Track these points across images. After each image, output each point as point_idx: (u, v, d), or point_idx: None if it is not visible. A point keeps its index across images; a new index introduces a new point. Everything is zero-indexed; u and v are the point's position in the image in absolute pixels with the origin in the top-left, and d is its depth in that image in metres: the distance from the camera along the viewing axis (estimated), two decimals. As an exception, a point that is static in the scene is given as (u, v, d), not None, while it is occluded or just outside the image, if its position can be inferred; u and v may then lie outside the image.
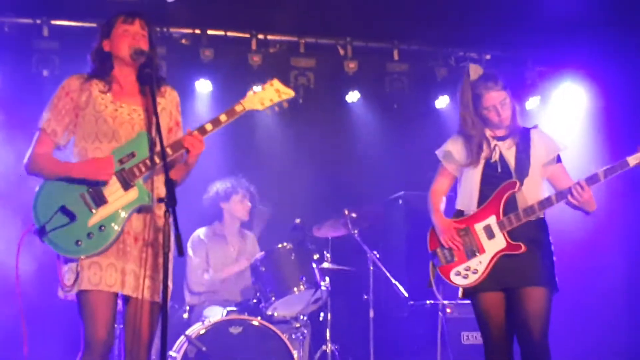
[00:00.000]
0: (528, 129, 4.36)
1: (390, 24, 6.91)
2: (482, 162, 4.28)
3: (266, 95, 3.75)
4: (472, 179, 4.30)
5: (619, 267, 7.20)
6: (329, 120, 7.56)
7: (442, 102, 7.55)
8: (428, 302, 6.44)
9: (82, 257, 3.42)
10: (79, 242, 3.40)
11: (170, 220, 3.16)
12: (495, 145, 4.30)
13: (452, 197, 4.50)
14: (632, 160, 4.05)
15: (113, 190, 3.47)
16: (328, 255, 6.12)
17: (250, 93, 3.75)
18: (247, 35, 6.93)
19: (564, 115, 7.43)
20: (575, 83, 7.42)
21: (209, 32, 6.83)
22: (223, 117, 3.64)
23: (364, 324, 6.23)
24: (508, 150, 4.28)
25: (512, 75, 7.35)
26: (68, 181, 3.46)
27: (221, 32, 6.90)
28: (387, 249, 7.01)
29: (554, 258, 4.23)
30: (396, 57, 7.24)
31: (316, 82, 7.12)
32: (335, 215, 6.10)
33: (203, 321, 5.49)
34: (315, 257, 5.96)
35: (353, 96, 7.41)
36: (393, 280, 6.12)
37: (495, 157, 4.27)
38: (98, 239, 3.42)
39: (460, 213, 4.36)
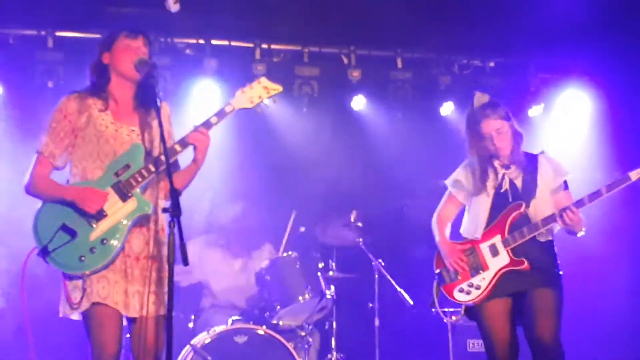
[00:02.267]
0: (535, 155, 4.40)
1: (394, 32, 6.92)
2: (492, 191, 4.34)
3: (255, 93, 3.76)
4: (482, 207, 4.37)
5: (624, 275, 7.18)
6: (333, 129, 7.57)
7: (447, 109, 7.55)
8: (433, 310, 6.43)
9: (87, 272, 3.42)
10: (83, 258, 3.41)
11: (175, 230, 3.17)
12: (504, 174, 4.35)
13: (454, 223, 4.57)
14: (634, 175, 4.09)
15: (112, 203, 3.48)
16: (333, 263, 6.13)
17: (238, 92, 3.76)
18: (251, 45, 6.94)
19: (567, 122, 7.43)
20: (579, 90, 7.41)
21: (213, 42, 6.84)
22: (214, 119, 3.66)
23: (370, 333, 6.23)
24: (516, 178, 4.34)
25: (515, 82, 7.36)
26: (61, 200, 3.47)
27: (225, 42, 6.91)
28: (392, 257, 7.00)
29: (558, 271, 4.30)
30: (400, 65, 7.24)
31: (320, 91, 7.12)
32: (340, 223, 6.10)
33: (208, 330, 5.49)
34: (321, 265, 5.96)
35: (357, 104, 7.42)
36: (398, 289, 6.12)
37: (506, 186, 4.33)
38: (101, 252, 3.43)
39: (457, 237, 4.47)
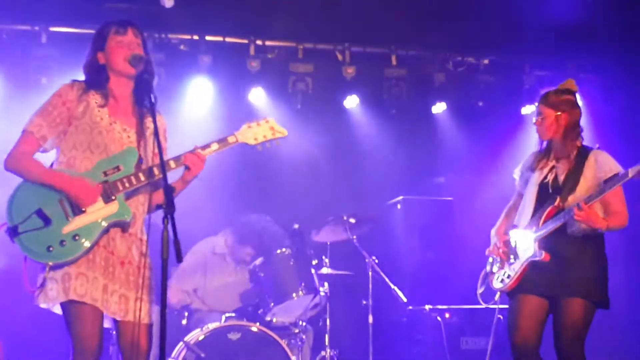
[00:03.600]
0: (590, 149, 4.43)
1: (388, 29, 6.92)
2: (539, 181, 4.46)
3: (260, 132, 3.79)
4: (528, 197, 4.50)
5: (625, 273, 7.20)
6: (327, 126, 7.56)
7: (440, 107, 7.56)
8: (427, 307, 6.45)
9: (50, 263, 3.37)
10: (51, 248, 3.37)
11: (169, 226, 3.16)
12: (553, 166, 4.45)
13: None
14: (631, 172, 4.08)
15: None
16: (327, 260, 6.12)
17: (245, 126, 3.78)
18: (246, 41, 6.94)
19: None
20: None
21: (208, 38, 6.84)
22: (214, 146, 3.67)
23: (363, 329, 6.23)
24: (562, 172, 4.41)
25: (509, 80, 7.38)
26: (48, 185, 3.44)
27: (219, 38, 6.90)
28: (385, 254, 7.01)
29: (605, 274, 4.32)
30: (394, 62, 7.24)
31: (314, 88, 7.12)
32: (333, 220, 6.11)
33: (202, 327, 5.48)
34: (314, 262, 5.95)
35: (351, 101, 7.42)
36: (392, 286, 6.12)
37: (550, 177, 4.43)
38: (70, 247, 3.39)
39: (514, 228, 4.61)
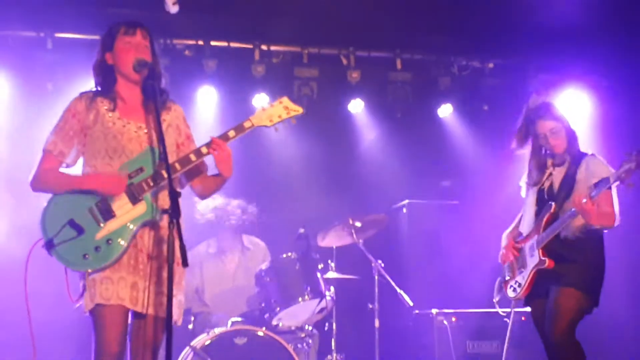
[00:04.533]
0: (584, 154, 4.53)
1: (393, 33, 6.93)
2: (537, 189, 4.60)
3: (275, 112, 3.77)
4: (529, 204, 4.64)
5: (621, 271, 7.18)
6: (332, 130, 7.57)
7: (445, 110, 7.55)
8: (433, 311, 6.43)
9: (89, 270, 3.42)
10: (87, 256, 3.41)
11: (175, 231, 3.17)
12: (551, 173, 4.57)
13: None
14: (611, 177, 4.14)
15: (121, 205, 3.48)
16: (333, 264, 6.11)
17: (259, 110, 3.77)
18: (250, 46, 6.95)
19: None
20: (577, 91, 7.42)
21: (212, 43, 6.85)
22: (231, 133, 3.67)
23: (369, 334, 6.22)
24: (558, 178, 4.53)
25: (514, 83, 7.37)
26: (77, 195, 3.47)
27: (224, 43, 6.91)
28: (391, 257, 7.01)
29: (602, 274, 4.42)
30: (399, 66, 7.25)
31: (319, 92, 7.12)
32: (339, 224, 6.10)
33: (208, 332, 5.49)
34: (320, 266, 5.94)
35: (356, 105, 7.42)
36: (398, 290, 6.11)
37: (547, 184, 4.57)
38: (105, 252, 3.43)
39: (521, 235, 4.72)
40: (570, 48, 6.90)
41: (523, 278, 4.55)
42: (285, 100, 3.83)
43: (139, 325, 3.52)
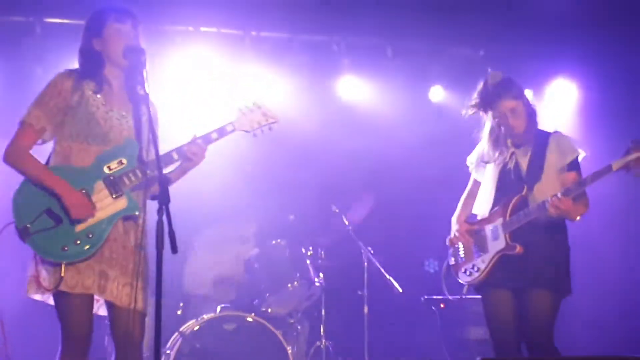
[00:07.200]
0: (549, 133, 4.35)
1: (384, 20, 6.91)
2: (498, 168, 4.34)
3: (254, 118, 3.83)
4: (488, 184, 4.39)
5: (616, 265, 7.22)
6: (323, 117, 7.55)
7: (436, 96, 7.56)
8: (422, 298, 6.47)
9: (65, 262, 3.37)
10: (65, 248, 3.36)
11: (164, 217, 3.16)
12: (513, 152, 4.33)
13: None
14: (615, 165, 3.98)
15: (101, 197, 3.46)
16: (322, 251, 6.13)
17: (239, 113, 3.82)
18: (241, 33, 6.93)
19: (555, 111, 7.44)
20: (567, 80, 7.44)
21: (202, 29, 6.82)
22: (214, 135, 3.71)
23: (359, 320, 6.25)
24: (523, 157, 4.31)
25: (505, 71, 7.35)
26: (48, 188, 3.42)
27: (214, 29, 6.89)
28: (381, 244, 7.03)
29: (568, 260, 4.24)
30: (390, 53, 7.24)
31: (310, 79, 7.11)
32: (330, 218, 6.11)
33: (197, 318, 5.50)
34: (310, 253, 5.97)
35: (348, 93, 7.41)
36: (387, 276, 6.14)
37: (511, 164, 4.32)
38: (85, 245, 3.39)
39: (474, 217, 4.48)
40: (560, 36, 6.90)
41: (483, 262, 4.28)
42: (263, 105, 3.87)
43: (119, 319, 3.49)
